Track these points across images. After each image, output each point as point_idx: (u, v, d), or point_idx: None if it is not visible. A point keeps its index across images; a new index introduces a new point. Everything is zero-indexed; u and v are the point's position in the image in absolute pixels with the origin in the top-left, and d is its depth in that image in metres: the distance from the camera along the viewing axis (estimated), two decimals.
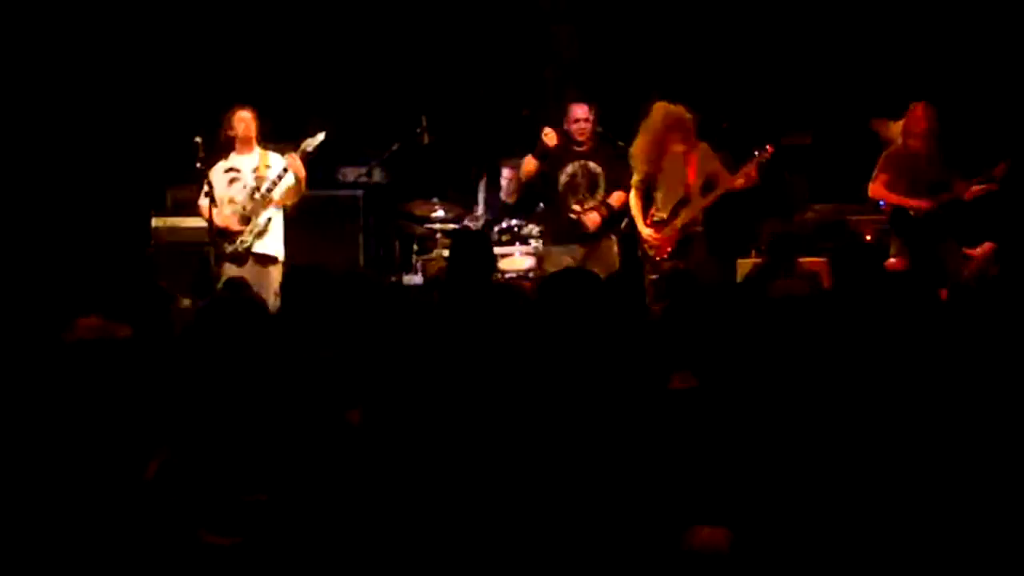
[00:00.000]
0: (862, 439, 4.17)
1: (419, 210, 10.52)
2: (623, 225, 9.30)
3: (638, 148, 8.94)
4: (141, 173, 10.66)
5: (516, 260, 9.80)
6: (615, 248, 9.26)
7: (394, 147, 10.44)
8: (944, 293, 6.07)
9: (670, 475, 4.03)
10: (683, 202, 8.86)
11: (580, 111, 9.18)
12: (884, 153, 8.71)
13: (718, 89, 11.73)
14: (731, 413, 4.28)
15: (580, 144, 9.16)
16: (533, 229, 9.91)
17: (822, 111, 12.27)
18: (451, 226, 10.25)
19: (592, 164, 9.17)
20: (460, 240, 7.94)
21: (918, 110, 8.56)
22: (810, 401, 4.36)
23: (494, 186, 10.84)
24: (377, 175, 11.02)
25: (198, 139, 8.67)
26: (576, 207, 9.13)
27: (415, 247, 10.51)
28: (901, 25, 11.56)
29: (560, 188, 9.18)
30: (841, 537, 3.84)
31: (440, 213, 10.40)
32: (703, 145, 8.94)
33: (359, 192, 10.81)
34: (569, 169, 9.21)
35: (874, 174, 8.73)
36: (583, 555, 3.82)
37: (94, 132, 10.84)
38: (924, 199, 8.49)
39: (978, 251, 7.84)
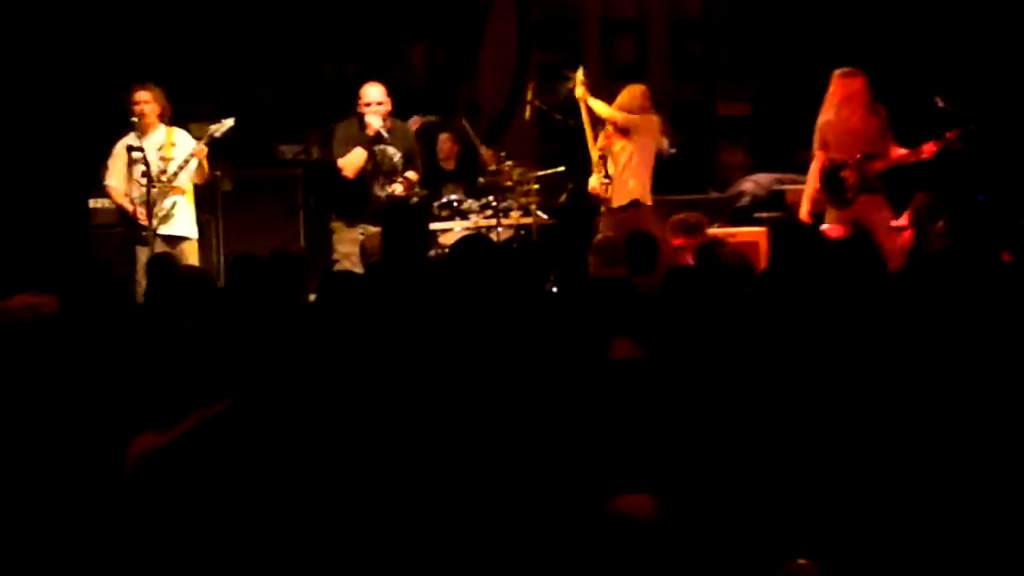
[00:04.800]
0: (798, 409, 4.20)
1: None
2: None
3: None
4: (78, 155, 10.53)
5: (456, 235, 9.78)
6: None
7: (332, 125, 10.36)
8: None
9: (598, 442, 4.05)
10: None
11: (374, 93, 9.05)
12: (818, 124, 8.69)
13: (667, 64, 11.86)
14: (673, 383, 4.31)
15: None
16: (473, 204, 9.91)
17: (762, 81, 12.36)
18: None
19: (390, 149, 9.08)
20: (394, 215, 7.86)
21: (851, 77, 8.53)
22: (747, 372, 4.40)
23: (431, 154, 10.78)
24: (315, 152, 10.96)
25: (136, 119, 8.59)
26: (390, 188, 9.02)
27: None
28: None
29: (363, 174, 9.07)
30: (768, 506, 3.87)
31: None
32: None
33: (297, 170, 10.75)
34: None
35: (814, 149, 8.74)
36: (509, 521, 3.84)
37: (28, 114, 10.69)
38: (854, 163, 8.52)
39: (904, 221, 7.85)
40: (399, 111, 9.57)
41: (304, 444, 4.03)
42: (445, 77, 12.27)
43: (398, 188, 8.90)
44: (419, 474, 3.94)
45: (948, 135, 8.35)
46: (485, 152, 10.18)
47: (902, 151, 8.48)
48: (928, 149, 8.41)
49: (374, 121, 8.90)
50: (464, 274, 5.64)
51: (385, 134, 8.91)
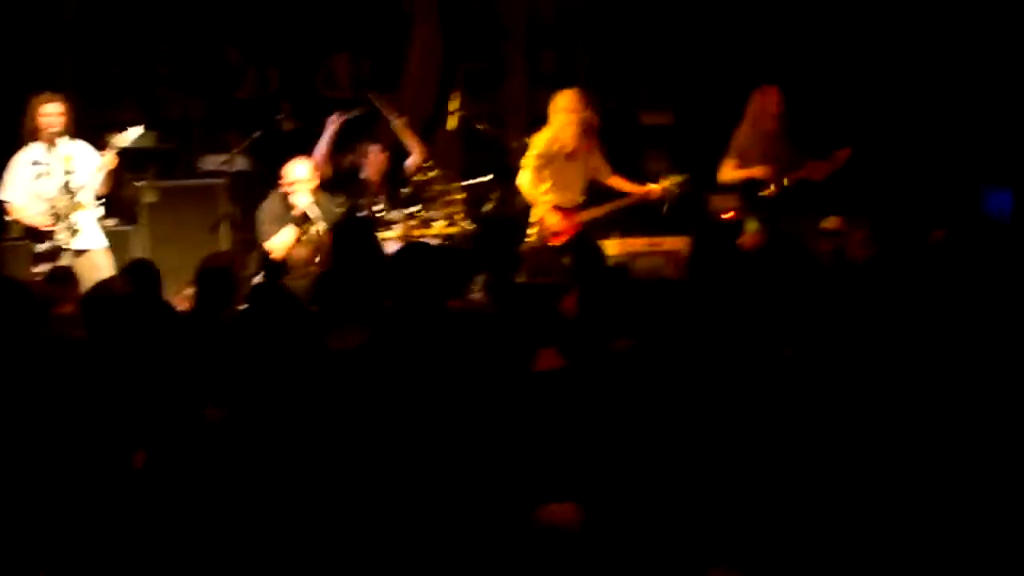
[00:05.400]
0: (720, 415, 4.24)
1: None
2: None
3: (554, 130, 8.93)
4: None
5: (383, 245, 9.76)
6: None
7: (255, 134, 10.31)
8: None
9: (525, 452, 4.07)
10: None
11: (300, 171, 9.01)
12: (734, 137, 8.83)
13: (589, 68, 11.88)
14: (596, 392, 4.33)
15: None
16: (397, 215, 9.89)
17: (683, 90, 12.43)
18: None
19: (318, 227, 9.05)
20: (345, 228, 7.76)
21: (771, 93, 8.69)
22: (672, 379, 4.43)
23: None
24: (240, 163, 10.89)
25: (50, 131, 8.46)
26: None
27: None
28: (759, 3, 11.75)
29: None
30: (693, 514, 3.91)
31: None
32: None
33: (221, 180, 10.68)
34: None
35: (724, 158, 8.85)
36: (437, 531, 3.85)
37: None
38: (773, 171, 8.62)
39: (832, 224, 7.97)
40: (321, 120, 9.56)
41: (239, 457, 4.03)
42: (370, 87, 12.24)
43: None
44: (346, 486, 3.94)
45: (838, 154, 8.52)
46: (399, 125, 9.98)
47: (815, 163, 8.62)
48: (840, 158, 8.54)
49: (300, 201, 8.84)
50: (407, 284, 5.63)
51: (312, 213, 8.83)
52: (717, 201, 10.02)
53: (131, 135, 8.50)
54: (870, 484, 3.95)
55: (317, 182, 8.97)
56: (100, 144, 8.51)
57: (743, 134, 8.77)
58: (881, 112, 8.83)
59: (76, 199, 8.39)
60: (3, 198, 8.51)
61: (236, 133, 10.90)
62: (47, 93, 8.57)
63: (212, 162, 11.00)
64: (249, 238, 9.98)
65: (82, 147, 8.54)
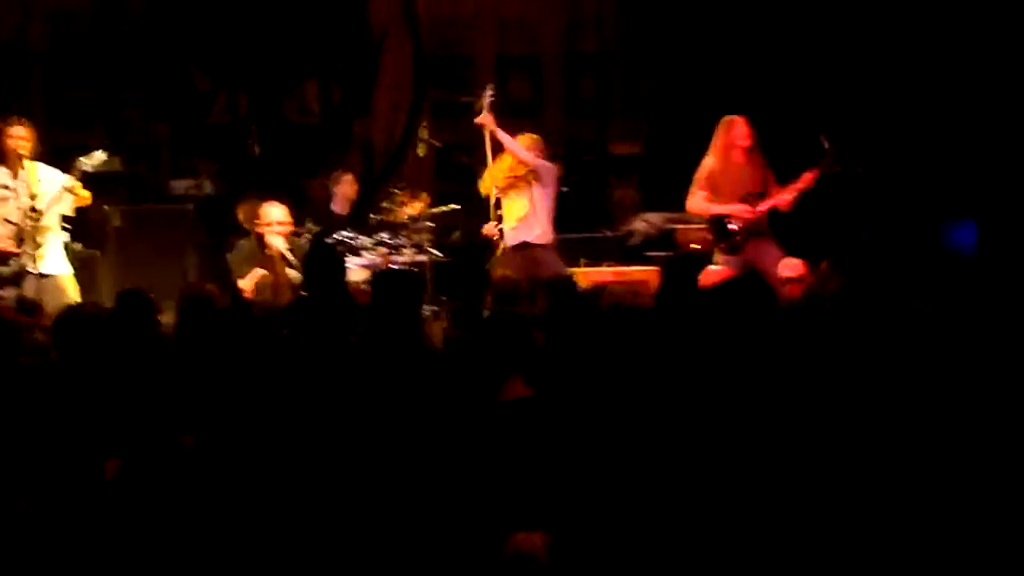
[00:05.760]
0: (689, 445, 4.25)
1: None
2: None
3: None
4: None
5: (352, 272, 9.76)
6: None
7: (224, 160, 10.31)
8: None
9: (493, 482, 4.07)
10: None
11: (276, 212, 9.02)
12: (702, 168, 8.85)
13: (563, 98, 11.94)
14: (563, 421, 4.34)
15: None
16: (366, 241, 9.89)
17: (654, 121, 12.50)
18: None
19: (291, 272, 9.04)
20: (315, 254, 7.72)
21: (739, 124, 8.74)
22: (636, 407, 4.45)
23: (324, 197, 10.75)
24: (208, 187, 10.88)
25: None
26: None
27: None
28: (726, 32, 11.83)
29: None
30: (658, 540, 3.92)
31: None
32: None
33: (189, 205, 10.66)
34: None
35: (692, 188, 8.88)
36: (407, 561, 3.85)
37: None
38: (746, 207, 8.66)
39: (795, 269, 7.97)
40: (293, 148, 9.57)
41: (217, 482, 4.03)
42: (340, 114, 12.26)
43: None
44: (315, 513, 3.94)
45: (817, 169, 8.56)
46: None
47: (783, 189, 8.66)
48: (806, 178, 8.59)
49: (276, 241, 8.84)
50: (385, 310, 5.65)
51: (287, 255, 8.86)
52: (685, 233, 10.08)
53: (96, 159, 8.42)
54: (838, 512, 3.97)
55: (292, 225, 8.98)
56: (67, 168, 8.45)
57: (711, 165, 8.80)
58: (844, 145, 8.89)
59: (41, 222, 8.33)
60: None
61: (205, 158, 10.90)
62: (13, 116, 8.52)
63: (181, 186, 10.98)
64: (216, 264, 9.96)
65: (48, 171, 8.49)
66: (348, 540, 3.90)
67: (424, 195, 10.16)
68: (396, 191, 10.17)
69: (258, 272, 8.86)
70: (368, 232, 10.00)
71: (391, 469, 4.10)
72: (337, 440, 4.24)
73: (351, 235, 9.96)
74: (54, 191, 8.35)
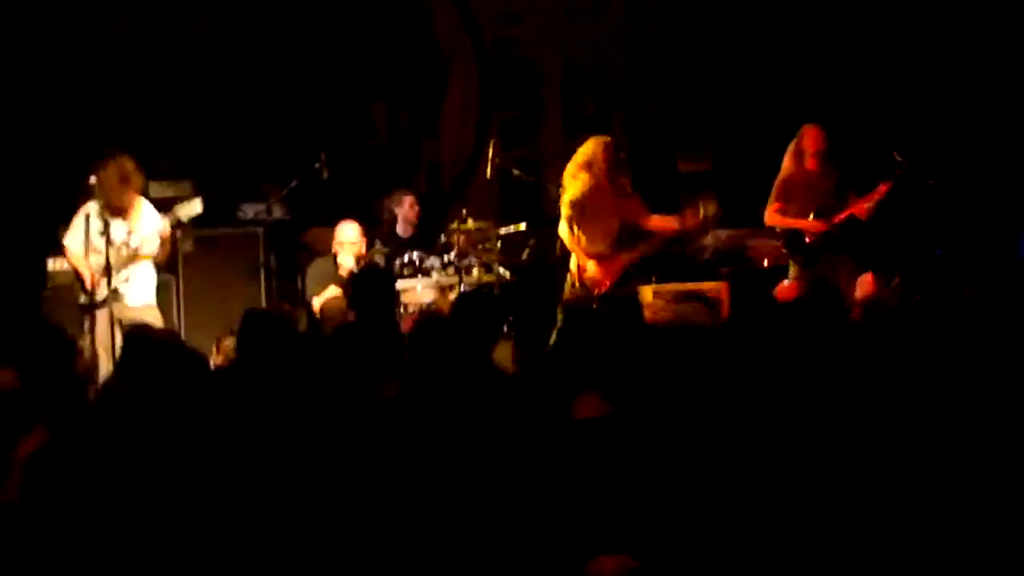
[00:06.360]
0: (764, 468, 4.18)
1: (320, 244, 10.43)
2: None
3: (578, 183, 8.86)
4: (35, 215, 10.45)
5: (418, 293, 9.77)
6: None
7: (293, 183, 10.34)
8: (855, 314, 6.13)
9: (575, 504, 4.01)
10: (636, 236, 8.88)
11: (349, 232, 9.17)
12: (779, 178, 8.80)
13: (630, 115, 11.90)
14: (641, 441, 4.28)
15: None
16: (435, 262, 9.89)
17: (722, 135, 12.42)
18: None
19: None
20: (362, 279, 7.78)
21: (811, 132, 8.69)
22: (713, 428, 4.38)
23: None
24: (277, 211, 10.93)
25: (92, 179, 8.50)
26: None
27: None
28: (796, 49, 11.74)
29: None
30: (743, 562, 3.85)
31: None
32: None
33: (259, 229, 10.71)
34: None
35: (770, 200, 8.82)
36: None
37: None
38: (819, 221, 8.60)
39: (866, 280, 7.90)
40: (362, 170, 9.59)
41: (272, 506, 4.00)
42: (407, 135, 12.28)
43: None
44: (389, 539, 3.90)
45: (890, 181, 8.48)
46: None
47: (858, 200, 8.59)
48: (880, 190, 8.51)
49: (346, 262, 8.90)
50: (464, 331, 5.61)
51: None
52: (757, 248, 9.99)
53: (192, 209, 8.56)
54: (916, 533, 3.89)
55: (364, 244, 9.01)
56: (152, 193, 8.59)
57: (784, 173, 8.75)
58: (917, 158, 8.80)
59: (131, 257, 8.45)
60: (65, 243, 8.57)
61: (274, 182, 10.94)
62: (119, 152, 8.61)
63: (250, 210, 11.03)
64: (287, 287, 10.01)
65: (149, 209, 8.61)
66: (428, 565, 3.86)
67: (491, 215, 10.17)
68: (464, 211, 10.17)
69: (331, 292, 8.89)
70: (436, 252, 10.01)
71: (468, 494, 4.06)
72: (410, 464, 4.20)
73: (419, 256, 9.97)
74: (150, 232, 8.46)
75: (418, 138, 12.26)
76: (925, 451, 4.15)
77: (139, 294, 8.58)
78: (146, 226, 8.53)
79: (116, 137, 9.06)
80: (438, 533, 3.93)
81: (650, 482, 4.08)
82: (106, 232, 8.32)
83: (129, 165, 8.50)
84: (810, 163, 8.67)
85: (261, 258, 10.54)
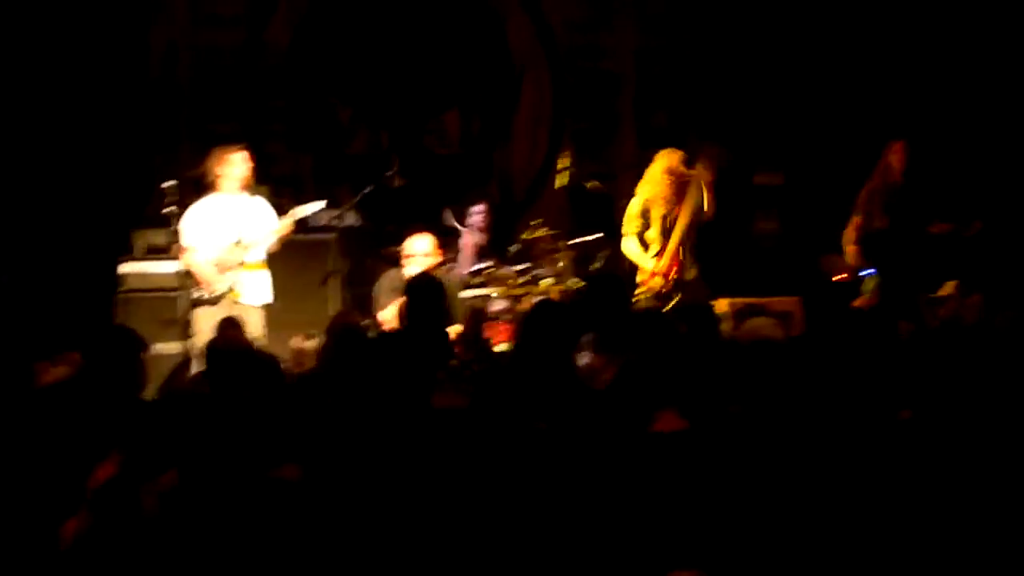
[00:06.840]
0: (841, 485, 4.14)
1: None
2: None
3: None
4: (107, 218, 10.54)
5: (490, 301, 9.77)
6: None
7: (367, 189, 10.36)
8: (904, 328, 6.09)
9: (651, 519, 3.98)
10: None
11: (419, 245, 9.12)
12: (861, 194, 8.83)
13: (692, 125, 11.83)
14: (717, 455, 4.25)
15: None
16: (507, 271, 9.89)
17: (794, 150, 12.33)
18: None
19: None
20: (415, 288, 7.74)
21: (894, 147, 8.75)
22: (789, 445, 4.34)
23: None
24: (350, 218, 10.96)
25: (169, 184, 8.57)
26: None
27: None
28: (871, 64, 11.65)
29: None
30: None
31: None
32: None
33: (332, 235, 10.74)
34: None
35: (852, 217, 8.85)
36: None
37: (58, 176, 10.72)
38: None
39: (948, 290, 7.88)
40: (434, 178, 9.59)
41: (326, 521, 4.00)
42: (479, 144, 12.28)
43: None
44: (461, 551, 3.89)
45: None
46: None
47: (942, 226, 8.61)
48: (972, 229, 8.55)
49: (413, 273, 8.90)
50: (534, 338, 5.61)
51: None
52: (831, 262, 9.90)
53: (311, 208, 8.71)
54: (996, 549, 3.83)
55: (440, 258, 9.01)
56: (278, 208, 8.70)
57: (870, 189, 8.81)
58: (998, 174, 8.75)
59: (245, 253, 8.51)
60: (186, 244, 8.58)
61: (346, 189, 10.98)
62: (233, 144, 8.72)
63: (322, 217, 11.07)
64: (358, 294, 10.03)
65: (261, 203, 8.68)
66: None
67: (562, 224, 10.15)
68: (536, 220, 10.16)
69: (399, 303, 8.89)
70: (508, 262, 10.01)
71: (544, 506, 4.03)
72: (487, 475, 4.18)
73: (491, 264, 9.97)
74: (264, 225, 8.51)
75: (491, 147, 12.26)
76: (1007, 468, 4.09)
77: (253, 293, 8.65)
78: (261, 221, 8.61)
79: (192, 145, 9.11)
80: (514, 546, 3.90)
81: (726, 497, 4.05)
82: (222, 228, 8.41)
83: (243, 151, 8.65)
84: (893, 178, 8.71)
85: (332, 265, 10.56)
